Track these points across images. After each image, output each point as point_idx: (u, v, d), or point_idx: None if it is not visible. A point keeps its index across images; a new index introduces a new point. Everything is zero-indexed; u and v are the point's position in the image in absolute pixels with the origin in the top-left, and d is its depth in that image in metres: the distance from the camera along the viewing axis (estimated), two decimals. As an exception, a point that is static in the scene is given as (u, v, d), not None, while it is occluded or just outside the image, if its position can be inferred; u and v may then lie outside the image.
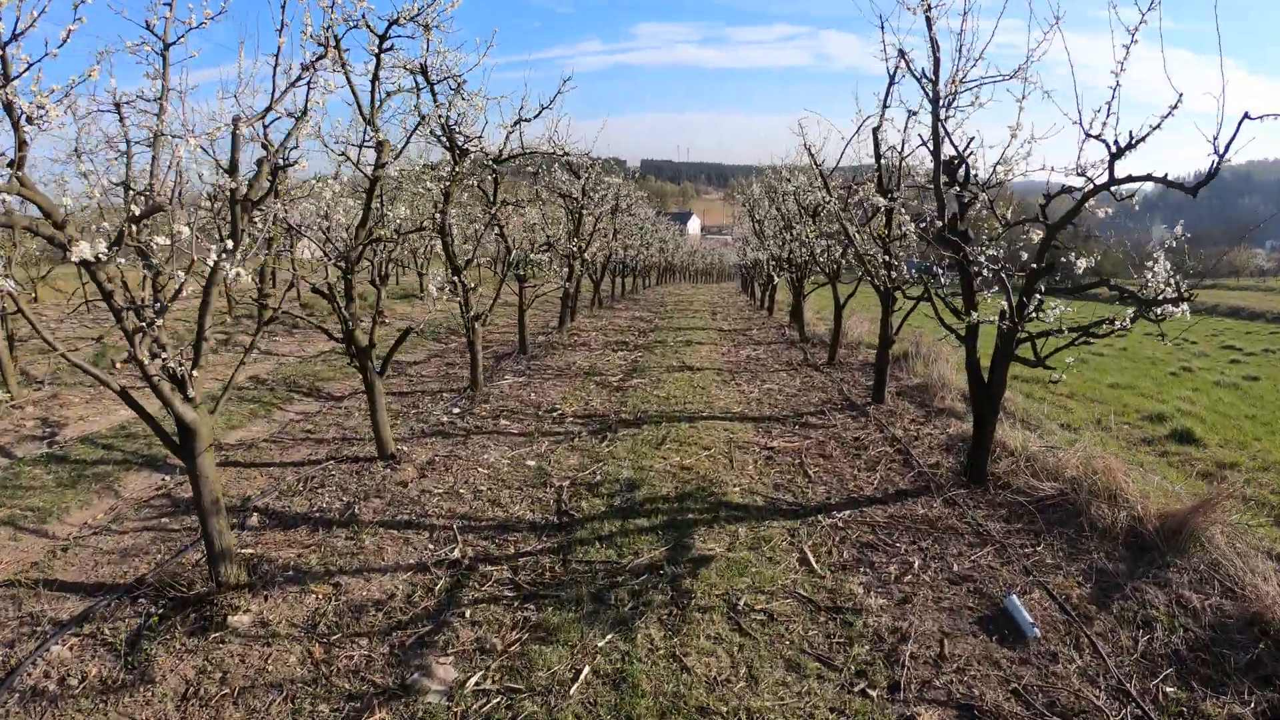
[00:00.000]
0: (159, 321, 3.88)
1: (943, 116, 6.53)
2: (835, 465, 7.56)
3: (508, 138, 11.65)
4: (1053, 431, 8.89)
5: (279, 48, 4.32)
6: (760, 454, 7.82)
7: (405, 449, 7.77)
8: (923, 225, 7.77)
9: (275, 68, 4.42)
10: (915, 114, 8.64)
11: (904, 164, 8.86)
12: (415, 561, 5.36)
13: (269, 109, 4.56)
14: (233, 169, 4.50)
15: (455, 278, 9.46)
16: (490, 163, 11.54)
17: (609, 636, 4.36)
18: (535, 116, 11.87)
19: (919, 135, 8.21)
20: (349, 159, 6.54)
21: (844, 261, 12.73)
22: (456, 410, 9.40)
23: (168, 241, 3.83)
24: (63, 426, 8.89)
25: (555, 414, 9.31)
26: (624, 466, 7.23)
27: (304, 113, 5.21)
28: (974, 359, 6.93)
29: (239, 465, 7.59)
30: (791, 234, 16.36)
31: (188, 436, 4.72)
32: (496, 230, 12.13)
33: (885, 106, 8.75)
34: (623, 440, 8.11)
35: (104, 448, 7.98)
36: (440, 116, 8.85)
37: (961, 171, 6.76)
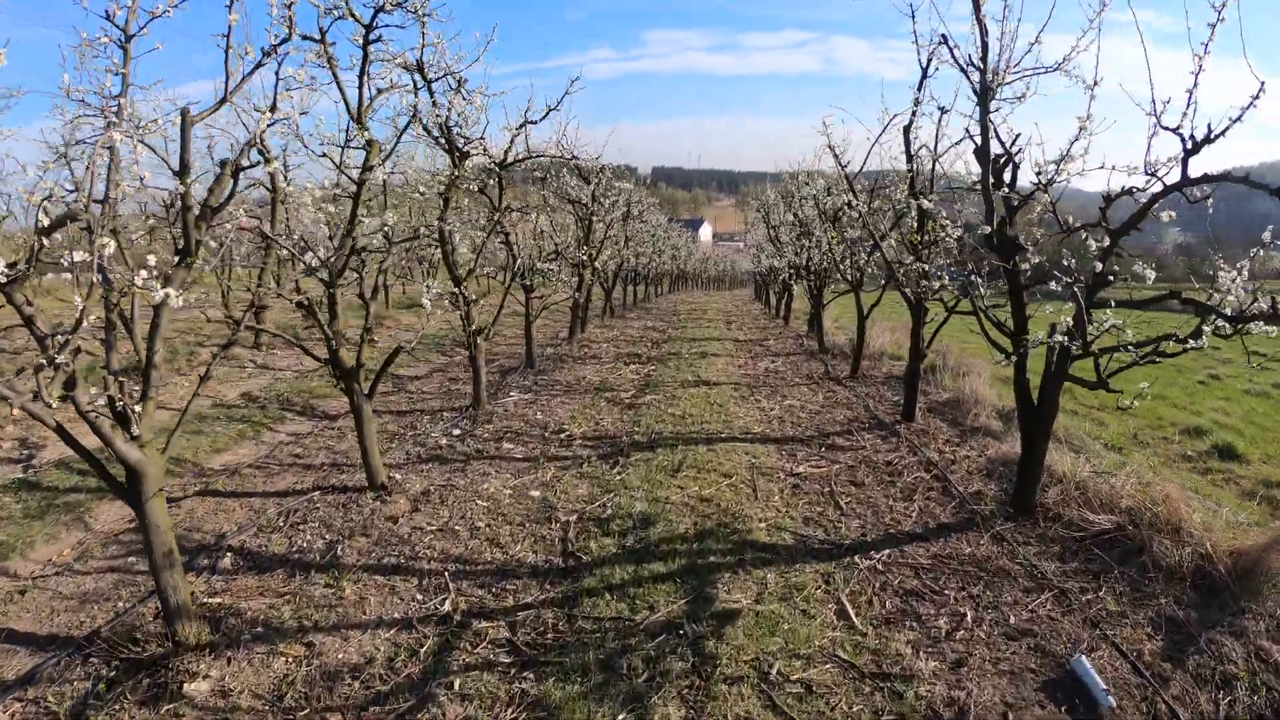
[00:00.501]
0: (60, 358, 3.24)
1: (991, 109, 5.87)
2: (868, 494, 6.89)
3: (513, 140, 11.11)
4: (1098, 452, 8.21)
5: (229, 26, 3.70)
6: (786, 481, 7.15)
7: (398, 477, 7.14)
8: (962, 230, 7.12)
9: (227, 52, 3.79)
10: (947, 111, 8.02)
11: (937, 164, 8.20)
12: (400, 616, 4.71)
13: (223, 101, 3.94)
14: (182, 171, 3.89)
15: (456, 289, 8.85)
16: (494, 166, 10.99)
17: (620, 718, 3.71)
18: (542, 118, 11.30)
19: (962, 131, 7.58)
20: (331, 160, 5.94)
21: (868, 269, 12.05)
22: (457, 432, 8.77)
23: (89, 257, 3.19)
24: (41, 448, 8.31)
25: (563, 435, 8.66)
26: (637, 498, 6.57)
27: (272, 106, 4.60)
28: (1024, 379, 6.27)
29: (220, 494, 6.98)
30: (810, 240, 15.71)
31: (134, 479, 4.11)
32: (501, 238, 11.53)
33: (918, 102, 8.12)
34: (635, 466, 7.46)
35: (79, 473, 7.39)
36: (438, 117, 8.26)
37: (1008, 172, 6.11)
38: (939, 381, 11.56)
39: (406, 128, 6.33)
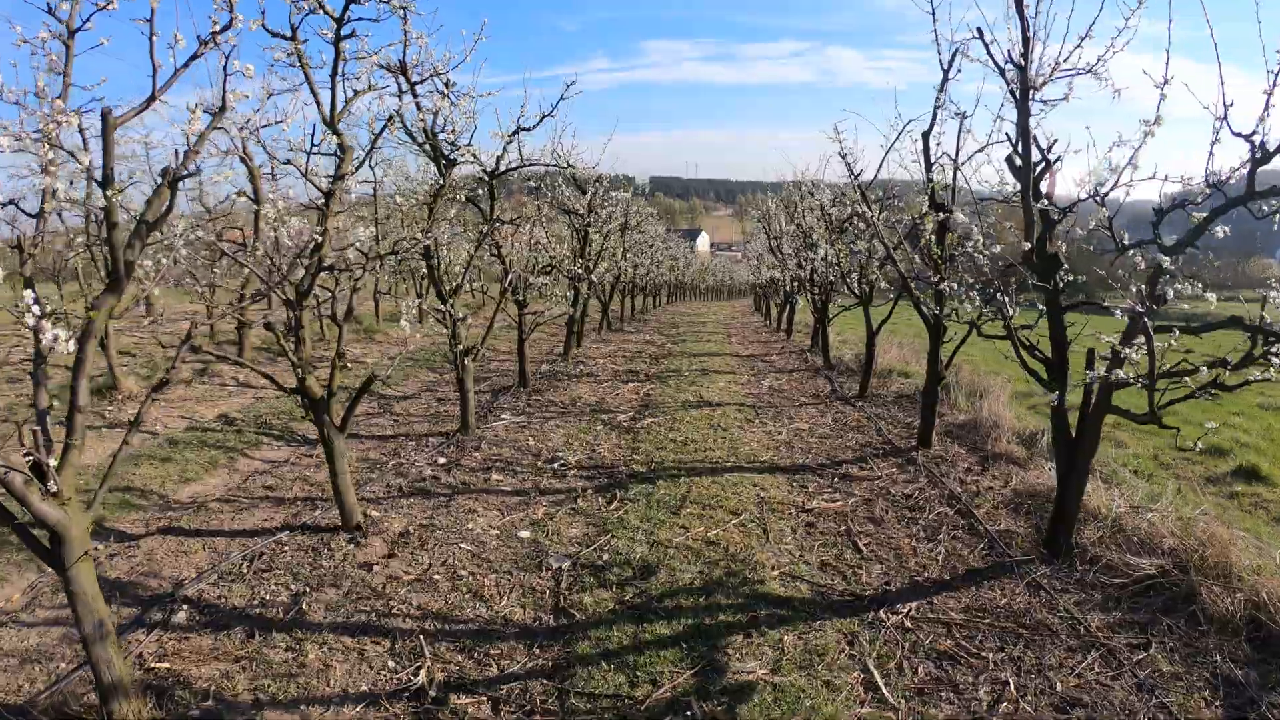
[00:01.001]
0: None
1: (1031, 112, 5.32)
2: (889, 534, 6.32)
3: (505, 148, 10.58)
4: (1129, 481, 7.64)
5: (151, 10, 3.12)
6: (798, 519, 6.58)
7: (375, 515, 6.55)
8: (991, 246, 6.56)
9: (151, 39, 3.21)
10: (969, 116, 7.48)
11: (959, 172, 7.65)
12: (368, 689, 4.12)
13: (151, 100, 3.36)
14: (105, 181, 3.31)
15: (442, 306, 8.29)
16: (485, 175, 10.47)
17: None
18: (536, 125, 10.78)
19: (983, 138, 7.03)
20: (296, 168, 5.37)
21: (878, 283, 11.48)
22: (442, 460, 8.17)
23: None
24: None
25: (556, 465, 8.06)
26: (637, 540, 5.99)
27: (221, 109, 4.03)
28: (1062, 411, 5.71)
29: (183, 533, 6.38)
30: (815, 251, 15.16)
31: (55, 542, 3.52)
32: (494, 251, 10.97)
33: (938, 107, 7.60)
34: (635, 501, 6.87)
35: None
36: (422, 122, 7.70)
37: (1045, 181, 5.55)
38: (953, 402, 11.00)
39: (382, 131, 5.75)
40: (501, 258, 10.82)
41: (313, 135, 5.32)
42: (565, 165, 11.33)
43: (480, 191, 10.11)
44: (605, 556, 5.70)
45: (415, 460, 8.19)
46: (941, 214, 7.64)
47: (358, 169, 5.80)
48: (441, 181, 8.14)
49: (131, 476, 7.79)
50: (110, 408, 10.79)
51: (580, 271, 13.56)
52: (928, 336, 8.59)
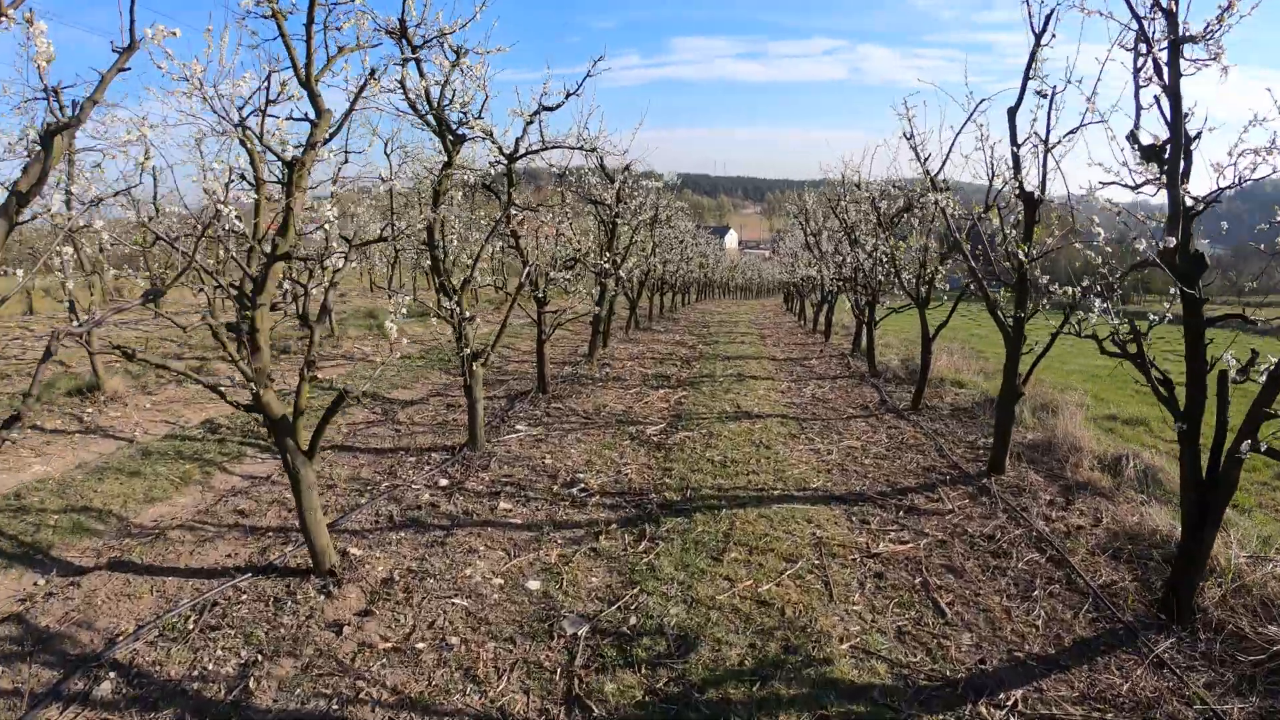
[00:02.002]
0: None
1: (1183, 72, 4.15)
2: (974, 589, 5.19)
3: (526, 129, 9.55)
4: (1242, 526, 6.44)
5: None
6: (865, 568, 5.44)
7: (358, 553, 5.49)
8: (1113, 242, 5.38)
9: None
10: (1059, 92, 6.32)
11: (1050, 155, 6.47)
12: (312, 822, 3.07)
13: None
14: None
15: (449, 302, 7.24)
16: (504, 157, 9.44)
17: None
18: (560, 105, 9.74)
19: (1074, 118, 5.83)
20: (250, 133, 4.31)
21: (939, 283, 10.30)
22: (444, 483, 7.10)
23: None
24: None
25: (576, 489, 6.97)
26: (671, 597, 4.88)
27: (129, 45, 2.98)
28: (1196, 447, 4.58)
29: (132, 570, 5.37)
30: (861, 248, 13.98)
31: None
32: (510, 242, 9.92)
33: (1029, 77, 6.44)
34: (668, 540, 5.77)
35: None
36: (424, 90, 6.66)
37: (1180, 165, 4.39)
38: (1019, 418, 9.81)
39: (362, 90, 4.67)
40: (520, 249, 9.76)
41: (268, 88, 4.26)
42: (590, 148, 10.22)
43: (494, 175, 9.11)
44: (632, 620, 4.60)
45: (413, 481, 7.13)
46: (1026, 203, 6.49)
47: (333, 135, 4.74)
48: (447, 159, 7.09)
49: (92, 494, 6.84)
50: (90, 410, 9.86)
51: (607, 266, 12.45)
52: (1004, 345, 7.42)
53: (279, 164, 4.68)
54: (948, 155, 7.97)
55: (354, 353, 14.61)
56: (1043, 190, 6.47)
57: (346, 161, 6.74)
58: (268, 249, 4.58)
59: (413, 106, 7.02)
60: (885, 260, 11.99)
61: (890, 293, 13.10)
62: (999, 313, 7.27)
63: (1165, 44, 4.17)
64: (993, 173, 7.72)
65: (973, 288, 8.44)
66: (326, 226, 4.30)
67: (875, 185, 12.68)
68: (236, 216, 4.23)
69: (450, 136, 7.20)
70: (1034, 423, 9.55)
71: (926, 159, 8.05)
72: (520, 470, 7.47)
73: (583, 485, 7.02)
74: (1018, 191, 6.53)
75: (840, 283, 16.76)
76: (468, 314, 7.34)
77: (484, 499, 6.68)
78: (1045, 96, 6.21)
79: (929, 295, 10.36)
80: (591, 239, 12.99)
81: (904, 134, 8.06)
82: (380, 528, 6.09)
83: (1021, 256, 6.40)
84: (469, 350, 7.37)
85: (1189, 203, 4.21)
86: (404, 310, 4.85)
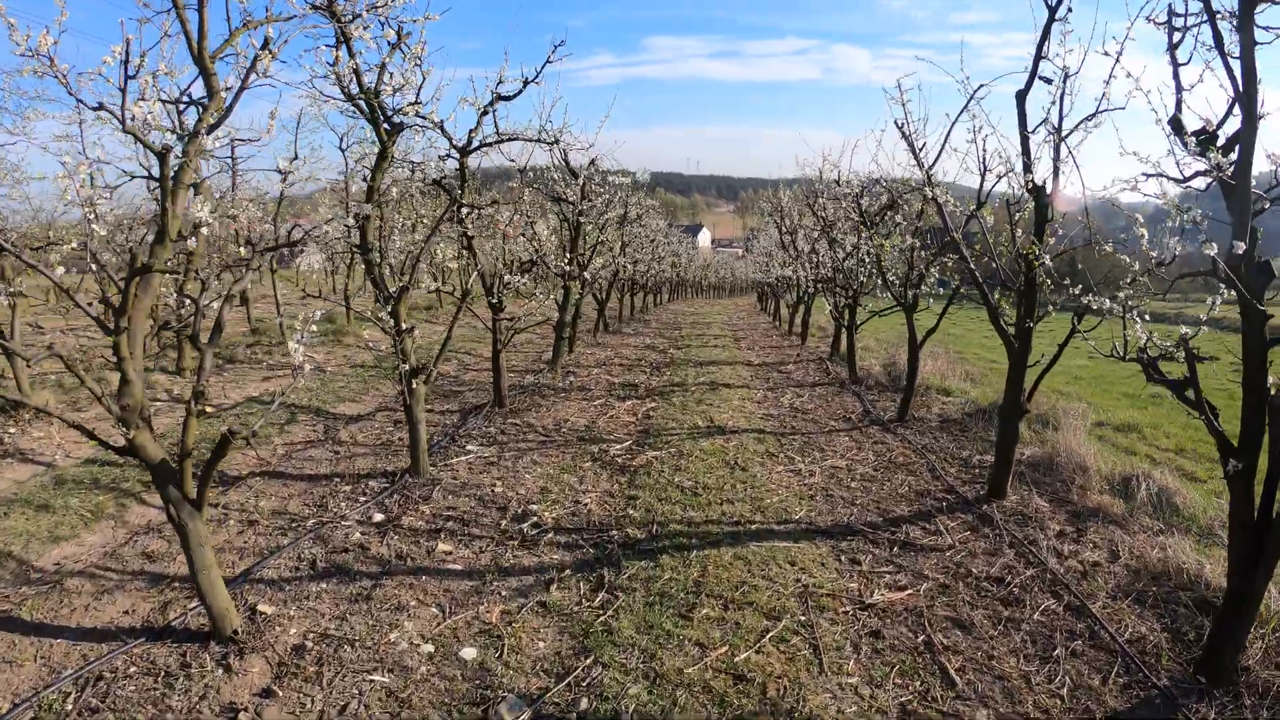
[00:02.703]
0: None
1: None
2: (986, 649, 4.45)
3: (480, 120, 8.77)
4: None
5: None
6: (858, 624, 4.68)
7: (269, 611, 4.65)
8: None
9: None
10: (1074, 74, 5.60)
11: (1063, 145, 5.74)
12: None
13: None
14: None
15: (385, 311, 6.41)
16: (455, 151, 8.66)
17: None
18: (517, 94, 8.97)
19: (1089, 105, 5.10)
20: (111, 114, 3.46)
21: (931, 284, 9.57)
22: (379, 517, 6.25)
23: None
24: None
25: (527, 524, 6.13)
26: (631, 671, 4.07)
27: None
28: (1250, 484, 3.88)
29: (18, 629, 4.52)
30: (839, 247, 13.25)
31: None
32: (464, 243, 9.09)
33: (1041, 57, 5.71)
34: (629, 591, 4.96)
35: None
36: (353, 70, 5.84)
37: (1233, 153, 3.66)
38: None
39: (254, 65, 3.84)
40: (472, 250, 8.93)
41: (125, 63, 3.41)
42: (553, 140, 9.41)
43: (442, 164, 8.30)
44: (584, 704, 3.78)
45: (344, 516, 6.27)
46: (1036, 198, 5.76)
47: (221, 120, 3.90)
48: (381, 149, 6.26)
49: (-6, 531, 5.94)
50: (13, 430, 8.83)
51: (570, 269, 11.61)
52: (1007, 355, 6.71)
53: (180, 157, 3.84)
54: (943, 145, 7.22)
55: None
56: (1054, 181, 5.74)
57: (296, 157, 5.91)
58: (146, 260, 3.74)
59: (343, 90, 6.17)
60: (869, 260, 11.27)
61: (873, 295, 12.38)
62: (1001, 320, 6.54)
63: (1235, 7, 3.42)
64: (984, 167, 7.02)
65: (962, 290, 7.75)
66: (202, 229, 3.46)
67: (857, 180, 11.91)
68: (93, 220, 3.39)
69: (386, 124, 6.37)
70: (1031, 436, 8.86)
71: (922, 148, 7.28)
72: (466, 501, 6.63)
73: (535, 519, 6.20)
74: (1028, 185, 5.78)
75: (818, 284, 16.04)
76: (405, 325, 6.51)
77: (421, 538, 5.84)
78: (1054, 81, 5.49)
79: (917, 300, 9.63)
80: (554, 238, 12.16)
81: (896, 121, 7.29)
82: (300, 576, 5.24)
83: (1035, 258, 5.66)
84: (408, 366, 6.52)
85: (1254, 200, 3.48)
86: (313, 327, 4.04)
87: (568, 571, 5.28)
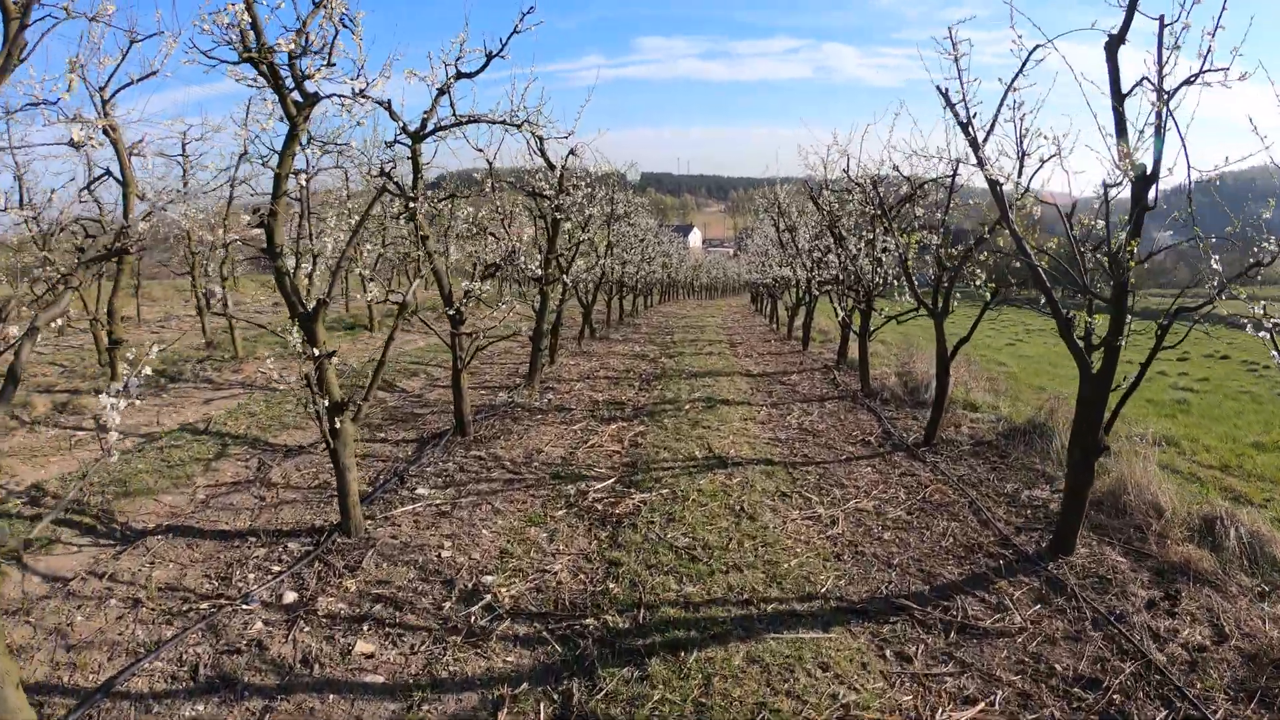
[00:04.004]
0: None
1: None
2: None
3: (436, 100, 7.51)
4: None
5: None
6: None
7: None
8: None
9: None
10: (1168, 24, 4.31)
11: (1165, 111, 4.41)
12: None
13: None
14: None
15: (301, 331, 5.06)
16: (408, 136, 7.42)
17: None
18: (480, 69, 7.72)
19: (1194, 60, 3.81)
20: None
21: (980, 285, 8.13)
22: (291, 597, 4.86)
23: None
24: None
25: (478, 606, 4.75)
26: None
27: None
28: None
29: None
30: (844, 245, 11.91)
31: None
32: (418, 242, 7.76)
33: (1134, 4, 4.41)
34: (606, 722, 3.62)
35: None
36: (245, 23, 4.49)
37: None
38: (1057, 455, 7.81)
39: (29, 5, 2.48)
40: (428, 251, 7.59)
41: None
42: (522, 121, 8.05)
43: (392, 153, 7.02)
44: None
45: (250, 594, 4.87)
46: (1135, 185, 4.44)
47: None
48: (291, 127, 4.90)
49: None
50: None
51: (546, 271, 10.23)
52: (1080, 381, 5.38)
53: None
54: (993, 120, 5.85)
55: (255, 378, 12.21)
56: (1158, 161, 4.42)
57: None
58: None
59: (241, 51, 4.79)
60: (887, 259, 9.94)
61: (889, 297, 11.04)
62: (1071, 339, 5.21)
63: None
64: (1023, 150, 5.72)
65: (1019, 293, 6.45)
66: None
67: (873, 166, 10.54)
68: None
69: (297, 93, 5.00)
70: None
71: (973, 117, 5.86)
72: (404, 572, 5.21)
73: (490, 599, 4.81)
74: (1125, 161, 4.43)
75: (821, 285, 14.70)
76: (329, 347, 5.14)
77: (338, 631, 4.45)
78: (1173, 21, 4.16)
79: (947, 306, 8.29)
80: (527, 238, 10.79)
81: (939, 87, 5.93)
82: (176, 691, 3.88)
83: (1131, 257, 4.33)
84: (327, 403, 5.14)
85: None
86: (141, 376, 2.70)
87: (524, 685, 3.91)
